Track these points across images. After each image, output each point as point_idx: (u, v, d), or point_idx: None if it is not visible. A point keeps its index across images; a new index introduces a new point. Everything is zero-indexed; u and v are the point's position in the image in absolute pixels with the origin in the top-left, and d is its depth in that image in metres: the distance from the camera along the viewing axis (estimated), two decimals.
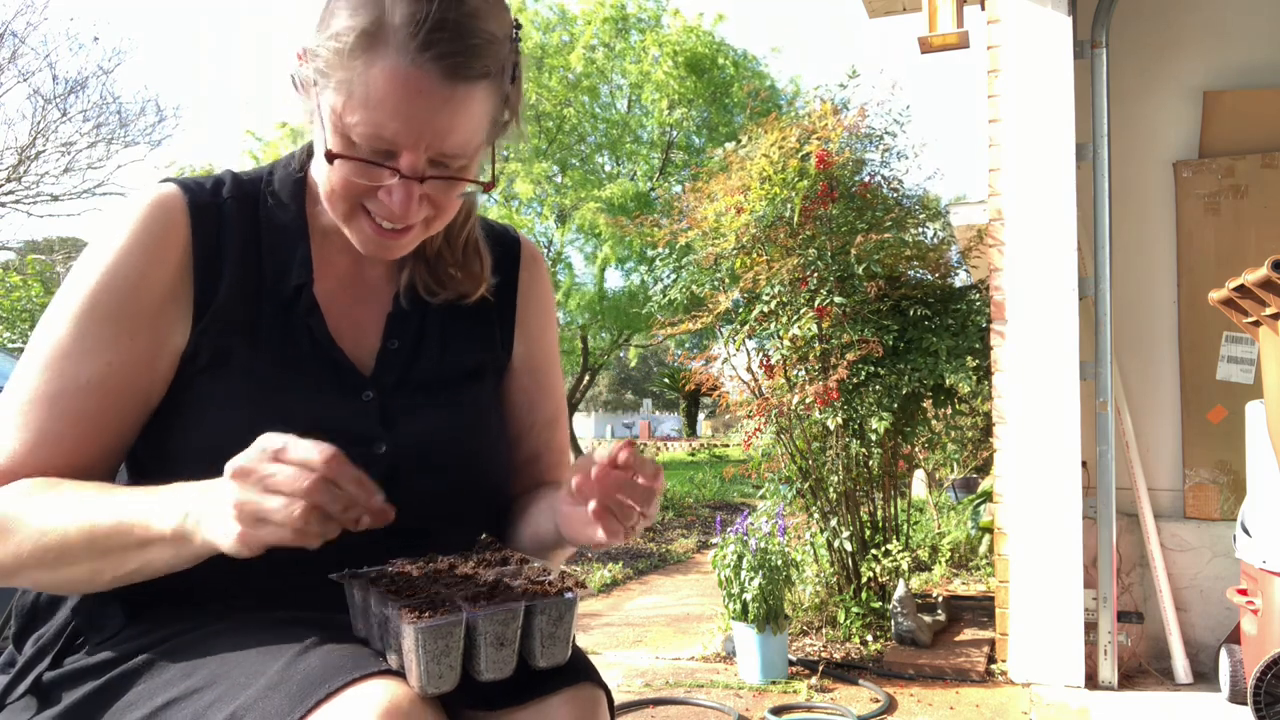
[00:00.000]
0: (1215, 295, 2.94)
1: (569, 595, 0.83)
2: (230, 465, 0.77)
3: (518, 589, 0.82)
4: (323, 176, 0.93)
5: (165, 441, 0.95)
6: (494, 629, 0.78)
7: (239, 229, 0.98)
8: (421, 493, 0.98)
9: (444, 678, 0.77)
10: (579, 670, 0.91)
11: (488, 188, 0.98)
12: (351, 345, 1.01)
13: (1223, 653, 3.06)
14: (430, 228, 0.97)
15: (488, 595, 0.81)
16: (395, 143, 0.88)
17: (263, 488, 0.75)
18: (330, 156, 0.89)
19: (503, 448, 1.11)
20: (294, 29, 0.95)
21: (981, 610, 4.22)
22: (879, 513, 4.23)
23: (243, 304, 0.96)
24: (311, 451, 0.76)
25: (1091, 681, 3.23)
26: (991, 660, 3.47)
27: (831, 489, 4.03)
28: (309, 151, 1.03)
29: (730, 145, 4.25)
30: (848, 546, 3.97)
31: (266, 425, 0.90)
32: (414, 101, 0.86)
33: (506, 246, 1.16)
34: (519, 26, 0.95)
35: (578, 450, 16.09)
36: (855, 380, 3.87)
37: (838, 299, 3.80)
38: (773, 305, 4.01)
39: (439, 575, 0.86)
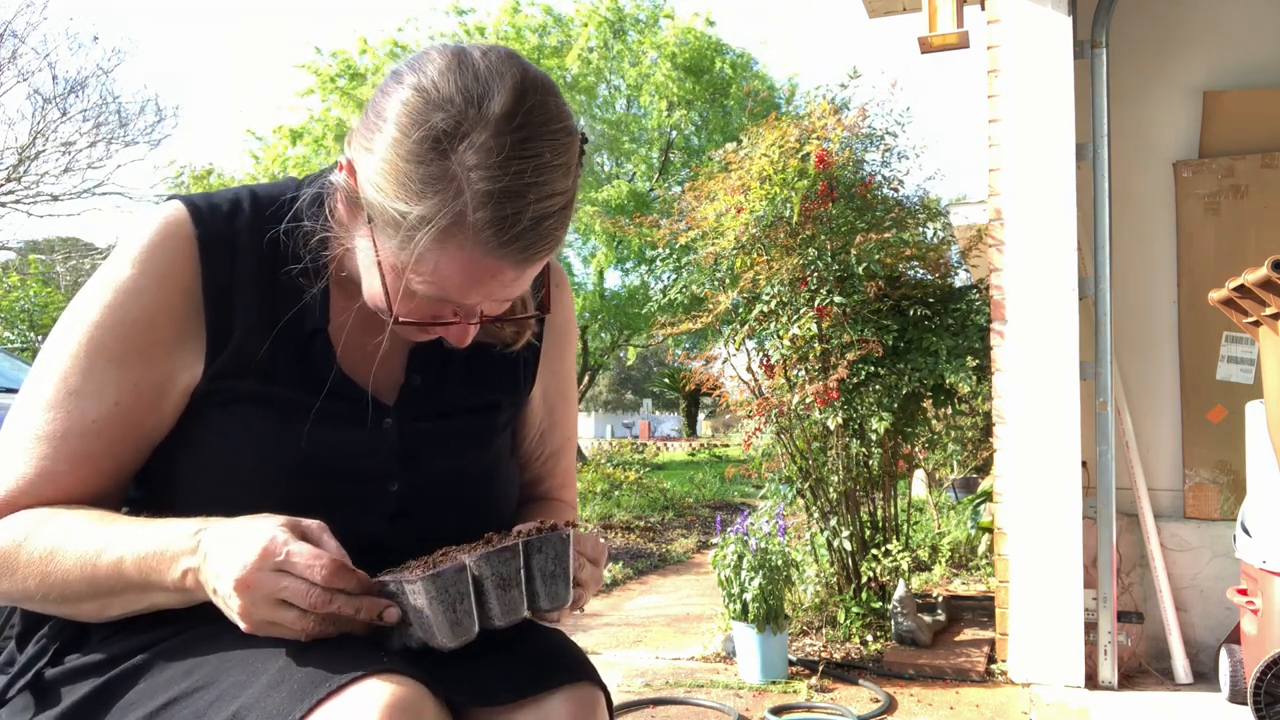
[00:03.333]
0: (1215, 295, 2.94)
1: (564, 532, 0.86)
2: (231, 576, 0.77)
3: (512, 535, 0.86)
4: (368, 285, 0.90)
5: (174, 471, 0.94)
6: (497, 569, 0.81)
7: (253, 263, 0.94)
8: (427, 528, 0.98)
9: (462, 625, 0.80)
10: (578, 669, 0.91)
11: (543, 310, 0.98)
12: (370, 378, 0.99)
13: (1223, 653, 3.07)
14: None
15: (484, 546, 0.85)
16: (458, 305, 0.88)
17: (273, 601, 0.77)
18: (395, 319, 0.88)
19: (514, 483, 1.11)
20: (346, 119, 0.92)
21: (981, 610, 4.22)
22: (879, 513, 4.23)
23: (259, 345, 0.93)
24: (313, 561, 0.77)
25: (1091, 681, 3.23)
26: (991, 660, 3.47)
27: (831, 489, 4.03)
28: (334, 188, 0.94)
29: (730, 146, 4.25)
30: (848, 546, 3.97)
31: (281, 462, 0.92)
32: (485, 284, 0.85)
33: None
34: (586, 140, 0.90)
35: (578, 451, 16.07)
36: (855, 380, 3.87)
37: (838, 299, 3.80)
38: (772, 305, 4.01)
39: (431, 553, 0.89)
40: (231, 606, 0.78)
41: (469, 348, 1.02)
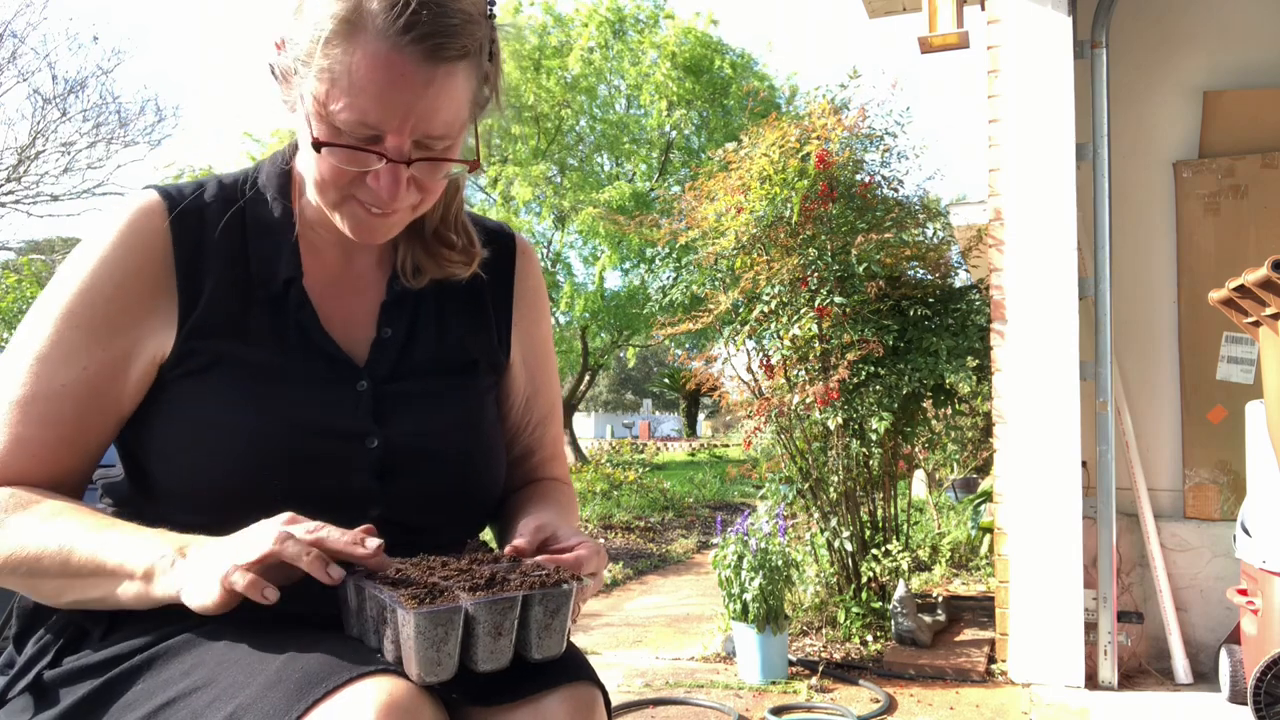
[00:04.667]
0: (1215, 295, 2.94)
1: (565, 587, 0.83)
2: (266, 526, 0.83)
3: (514, 581, 0.83)
4: (310, 166, 0.93)
5: (164, 445, 0.95)
6: (492, 618, 0.79)
7: (223, 230, 0.99)
8: (415, 488, 0.99)
9: (442, 665, 0.77)
10: (575, 668, 0.91)
11: (473, 167, 0.98)
12: (344, 336, 1.02)
13: (1223, 653, 3.06)
14: (416, 211, 0.98)
15: (485, 586, 0.81)
16: (380, 127, 0.88)
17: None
18: (317, 145, 0.89)
19: (499, 445, 1.11)
20: (270, 17, 0.95)
21: (982, 610, 4.22)
22: (879, 513, 4.23)
23: (231, 303, 0.97)
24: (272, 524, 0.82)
25: (1091, 681, 3.23)
26: (992, 660, 3.46)
27: (832, 489, 4.03)
28: (294, 147, 1.03)
29: (730, 145, 4.25)
30: (848, 546, 3.97)
31: (260, 422, 0.93)
32: (396, 85, 0.87)
33: (501, 243, 1.15)
34: (493, 3, 0.94)
35: (577, 451, 16.07)
36: (855, 380, 3.87)
37: (838, 299, 3.80)
38: (773, 305, 4.01)
39: (433, 570, 0.87)
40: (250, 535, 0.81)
41: (436, 301, 1.06)
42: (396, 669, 0.78)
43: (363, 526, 0.85)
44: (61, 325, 0.92)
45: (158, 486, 0.95)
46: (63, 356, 0.91)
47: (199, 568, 0.81)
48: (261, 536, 0.80)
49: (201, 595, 0.80)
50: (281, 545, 0.79)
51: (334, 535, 0.81)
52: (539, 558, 0.90)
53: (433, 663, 0.76)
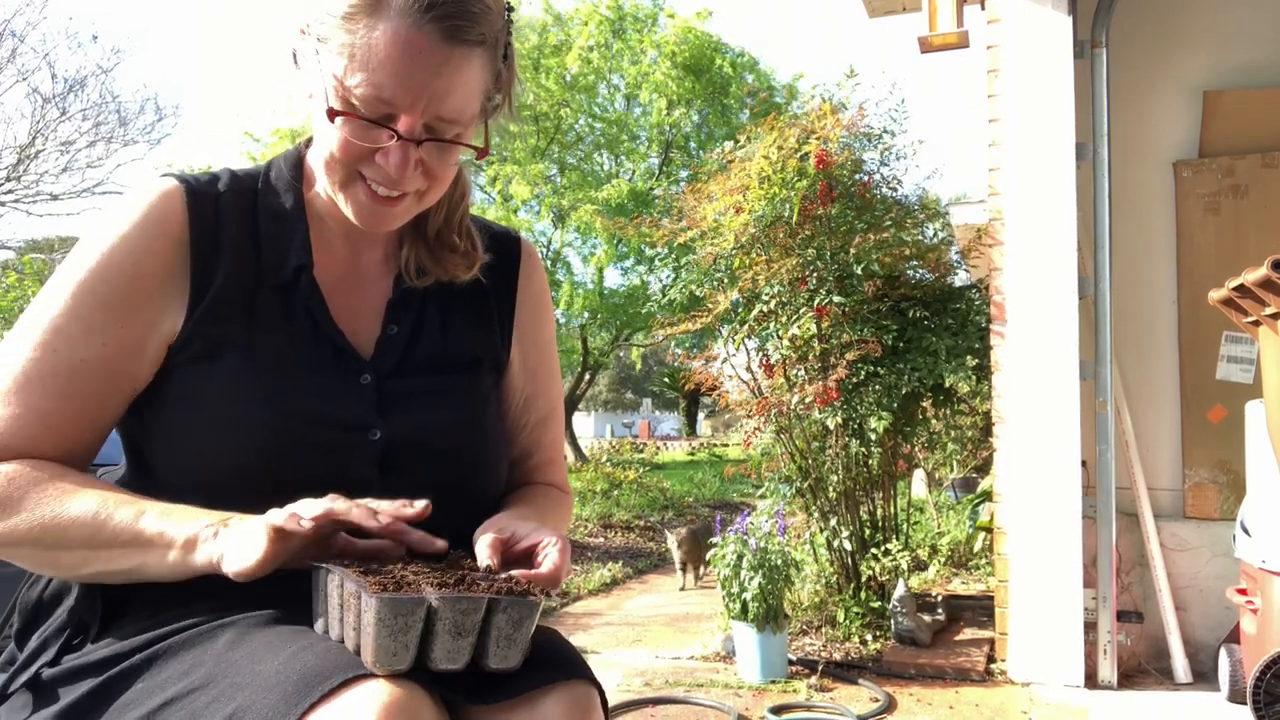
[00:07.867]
0: (1215, 295, 2.94)
1: (532, 599, 0.82)
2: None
3: (483, 585, 0.83)
4: (323, 144, 0.95)
5: (171, 429, 0.95)
6: (454, 616, 0.78)
7: (236, 218, 1.00)
8: (415, 482, 0.99)
9: (398, 656, 0.77)
10: (571, 667, 0.91)
11: (481, 154, 0.98)
12: (350, 330, 1.02)
13: (1222, 652, 3.07)
14: (423, 200, 0.99)
15: (453, 586, 0.81)
16: (394, 103, 0.89)
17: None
18: (332, 114, 0.90)
19: (501, 443, 1.11)
20: (294, 9, 0.96)
21: (981, 610, 4.22)
22: (879, 512, 4.23)
23: (240, 290, 0.97)
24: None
25: (1091, 681, 3.23)
26: (991, 660, 3.47)
27: (831, 488, 4.03)
28: (308, 142, 1.04)
29: (729, 145, 4.25)
30: (847, 546, 3.97)
31: (267, 410, 0.94)
32: (414, 61, 0.88)
33: (507, 245, 1.16)
34: (511, 9, 0.96)
35: (577, 450, 16.08)
36: (855, 380, 3.87)
37: (837, 298, 3.80)
38: (772, 305, 4.02)
39: (407, 566, 0.87)
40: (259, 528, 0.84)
41: (441, 300, 1.07)
42: (400, 672, 0.78)
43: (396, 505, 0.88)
44: (81, 301, 0.92)
45: (161, 473, 0.95)
46: (82, 332, 0.92)
47: (243, 531, 0.84)
48: (314, 503, 0.84)
49: (245, 553, 0.83)
50: (334, 503, 0.84)
51: (383, 506, 0.87)
52: (516, 571, 0.89)
53: (389, 652, 0.76)
